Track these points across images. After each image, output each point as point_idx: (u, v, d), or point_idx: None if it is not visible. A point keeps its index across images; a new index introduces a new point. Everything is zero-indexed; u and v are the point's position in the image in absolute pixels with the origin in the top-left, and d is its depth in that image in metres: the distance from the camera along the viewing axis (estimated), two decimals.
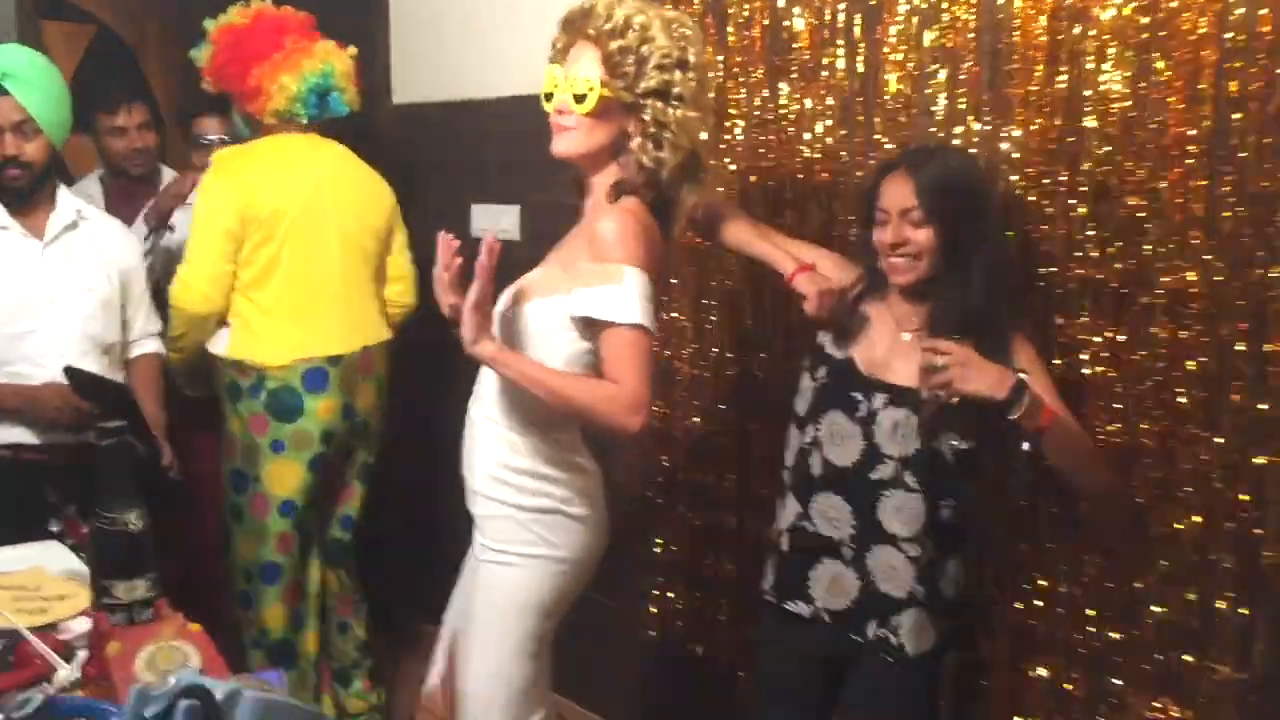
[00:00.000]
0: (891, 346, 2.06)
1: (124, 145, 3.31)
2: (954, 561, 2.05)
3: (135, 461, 2.19)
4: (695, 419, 2.81)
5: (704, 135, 1.98)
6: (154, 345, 2.82)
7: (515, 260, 2.17)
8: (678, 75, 1.92)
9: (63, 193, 2.67)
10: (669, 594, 2.93)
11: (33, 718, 1.47)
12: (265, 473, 2.83)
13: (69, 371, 2.46)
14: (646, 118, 1.92)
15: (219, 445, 2.92)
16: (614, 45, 1.90)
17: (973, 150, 2.17)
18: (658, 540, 2.91)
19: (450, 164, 3.43)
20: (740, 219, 2.24)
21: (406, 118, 3.61)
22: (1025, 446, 1.91)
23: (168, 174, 3.39)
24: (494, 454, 2.03)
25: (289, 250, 2.79)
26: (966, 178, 2.00)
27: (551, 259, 2.07)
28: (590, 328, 1.92)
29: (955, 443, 1.96)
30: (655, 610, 2.95)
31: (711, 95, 2.05)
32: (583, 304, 1.91)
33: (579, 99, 1.92)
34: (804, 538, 2.11)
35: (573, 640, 2.22)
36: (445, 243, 2.01)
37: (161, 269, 3.06)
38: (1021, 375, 1.85)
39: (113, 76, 4.32)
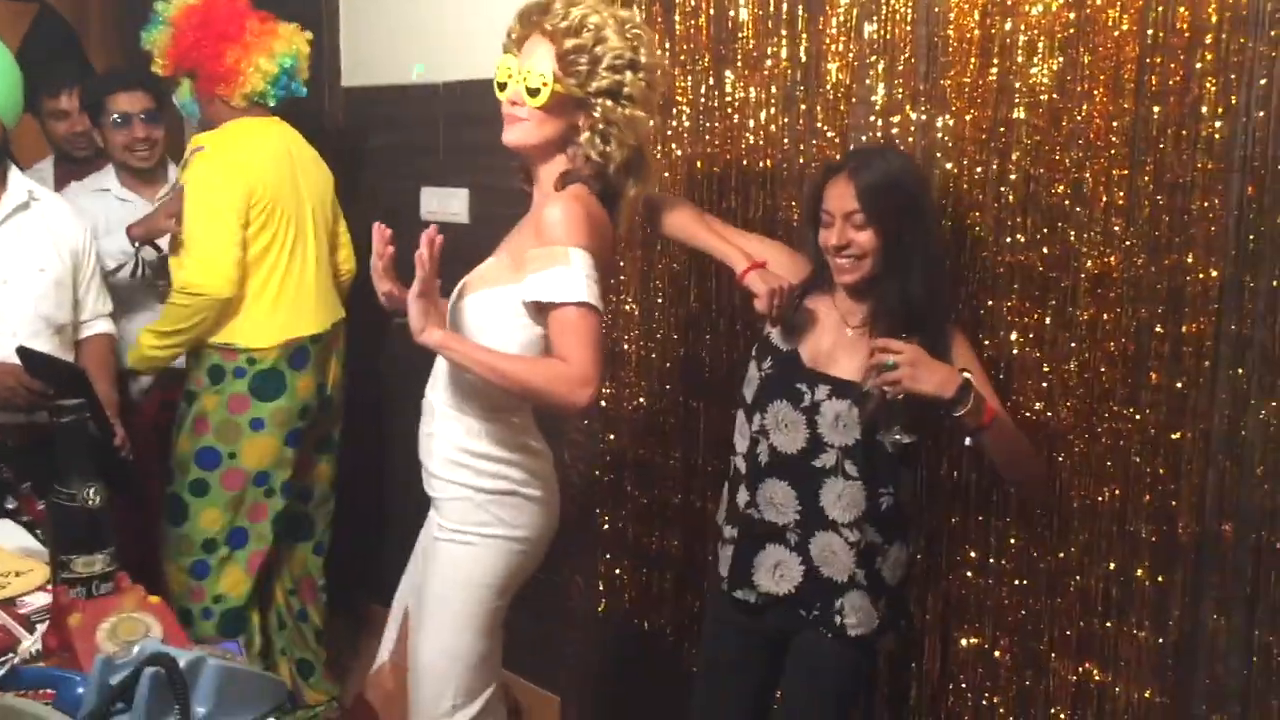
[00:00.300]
0: (836, 341, 2.12)
1: (65, 128, 3.33)
2: (895, 547, 2.11)
3: (91, 440, 2.23)
4: (641, 399, 2.88)
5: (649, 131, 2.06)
6: (105, 325, 2.85)
7: (464, 243, 2.23)
8: (628, 76, 1.98)
9: (14, 173, 2.68)
10: (615, 570, 3.00)
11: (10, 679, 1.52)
12: (241, 449, 2.90)
13: (22, 352, 2.48)
14: (596, 114, 1.98)
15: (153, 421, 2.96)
16: (569, 44, 1.95)
17: (909, 140, 2.25)
18: (605, 516, 2.98)
19: (400, 148, 3.47)
20: (685, 210, 2.29)
21: (357, 101, 3.63)
22: (968, 442, 2.00)
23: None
24: (451, 438, 2.08)
25: (279, 234, 2.86)
26: (906, 181, 2.05)
27: (501, 249, 2.13)
28: (540, 311, 1.98)
29: (898, 436, 2.02)
30: (602, 586, 3.03)
31: (660, 89, 2.10)
32: (533, 289, 1.96)
33: (532, 92, 1.97)
34: (750, 523, 2.18)
35: (521, 615, 2.28)
36: (379, 231, 2.09)
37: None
38: (966, 375, 1.93)
39: (55, 58, 4.29)
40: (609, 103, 1.98)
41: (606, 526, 2.98)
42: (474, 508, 2.07)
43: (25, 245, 2.62)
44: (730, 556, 2.22)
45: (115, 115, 3.14)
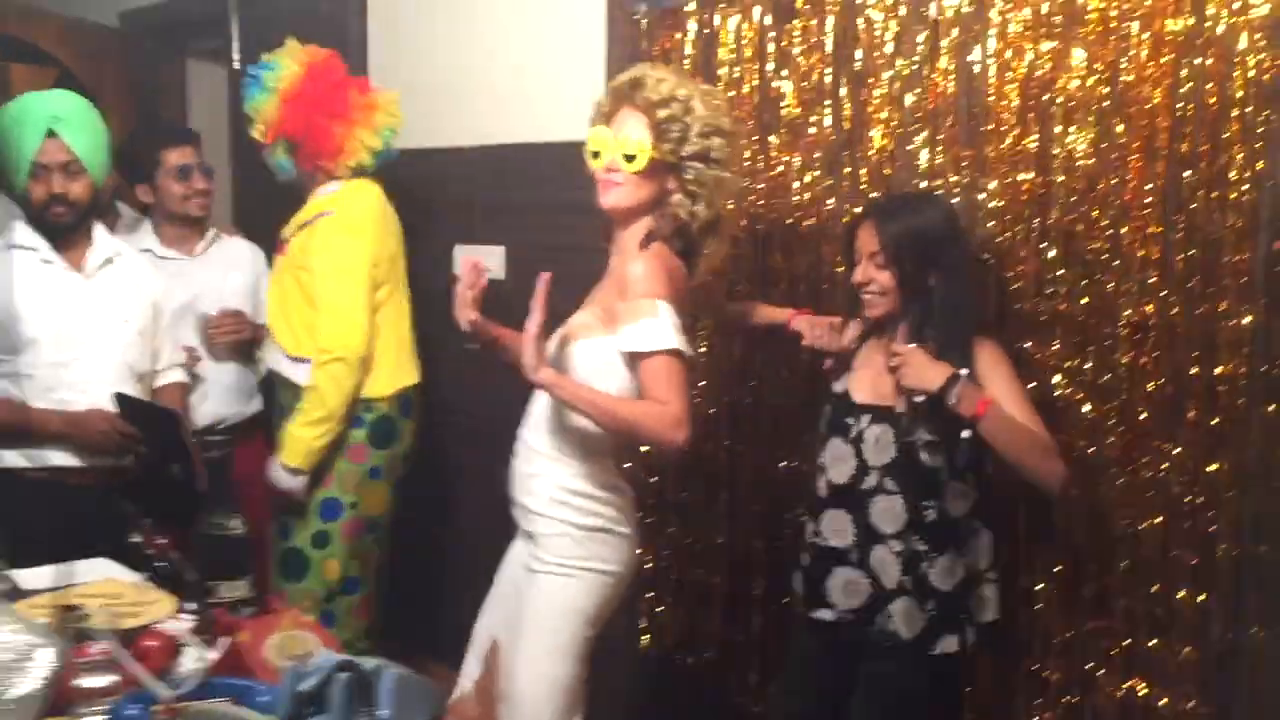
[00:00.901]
0: (879, 375, 2.33)
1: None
2: (945, 557, 2.27)
3: (176, 480, 2.36)
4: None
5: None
6: (179, 374, 2.96)
7: (501, 298, 2.41)
8: (715, 141, 2.18)
9: (99, 230, 2.81)
10: (657, 607, 3.14)
11: (192, 695, 1.64)
12: (362, 498, 2.99)
13: (120, 398, 2.59)
14: (689, 177, 2.18)
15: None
16: (661, 114, 2.15)
17: (943, 195, 2.46)
18: (648, 555, 3.12)
19: (436, 207, 3.62)
20: (751, 303, 2.66)
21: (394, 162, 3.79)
22: (965, 433, 2.18)
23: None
24: (554, 479, 2.24)
25: (391, 289, 2.98)
26: (928, 226, 2.26)
27: (590, 303, 2.30)
28: (633, 359, 2.15)
29: (925, 436, 2.22)
30: (645, 623, 3.16)
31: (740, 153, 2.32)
32: (627, 340, 2.14)
33: (629, 159, 2.17)
34: (819, 550, 2.37)
35: None
36: (470, 264, 2.28)
37: None
38: (960, 372, 2.14)
39: None
40: (700, 165, 2.18)
41: (649, 565, 3.13)
42: (574, 543, 2.22)
43: (111, 298, 2.74)
44: (803, 581, 2.39)
45: (177, 167, 3.22)
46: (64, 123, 2.67)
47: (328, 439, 2.92)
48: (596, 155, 2.23)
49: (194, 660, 1.76)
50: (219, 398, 3.20)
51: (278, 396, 3.11)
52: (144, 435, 2.57)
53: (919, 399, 2.19)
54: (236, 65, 4.39)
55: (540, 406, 2.29)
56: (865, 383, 2.35)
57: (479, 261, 2.41)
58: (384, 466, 3.02)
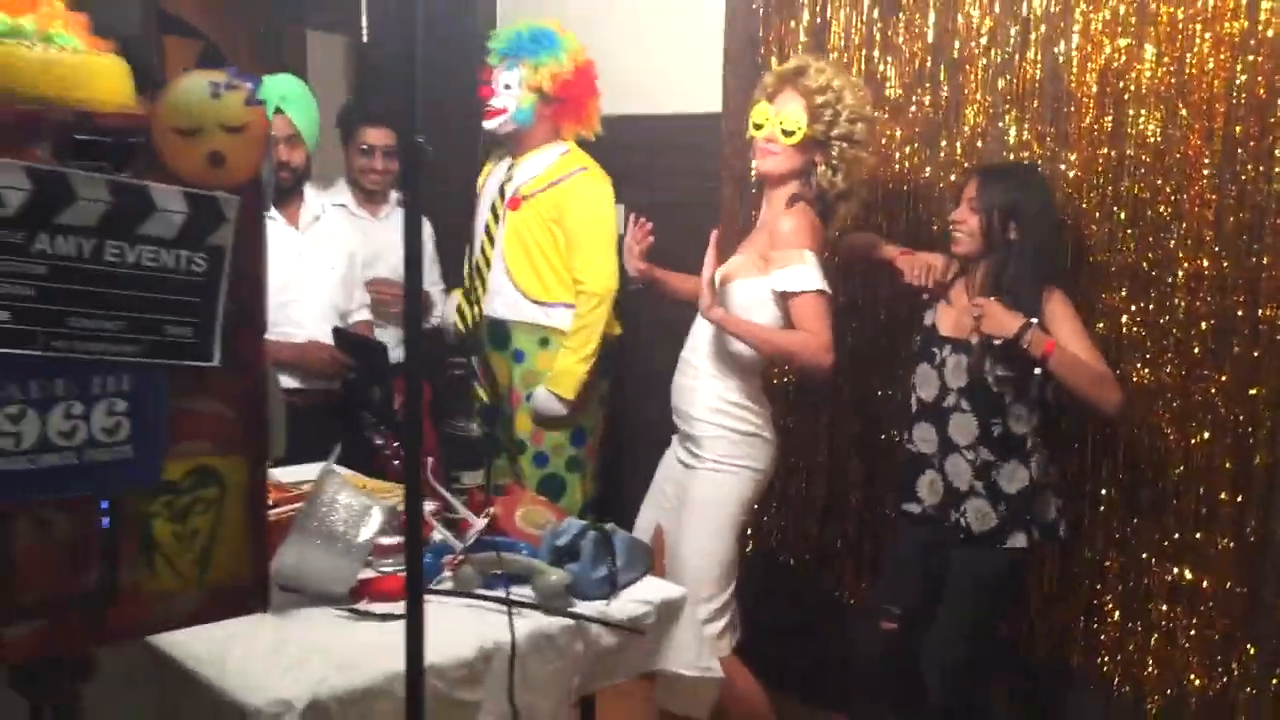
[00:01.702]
0: (961, 312, 2.80)
1: None
2: (1011, 464, 2.72)
3: (383, 401, 2.87)
4: (790, 376, 3.55)
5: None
6: (365, 315, 3.46)
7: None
8: (859, 126, 2.68)
9: (309, 191, 3.30)
10: (764, 516, 3.65)
11: (473, 548, 2.15)
12: (596, 424, 3.42)
13: (337, 331, 3.10)
14: (834, 154, 2.67)
15: None
16: (819, 100, 2.64)
17: (1040, 169, 2.93)
18: None
19: None
20: (868, 235, 3.06)
21: None
22: (1036, 371, 2.64)
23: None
24: (715, 391, 2.75)
25: None
26: (1019, 186, 2.73)
27: (744, 249, 2.80)
28: (783, 298, 2.65)
29: (999, 372, 2.68)
30: (749, 530, 3.67)
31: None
32: (781, 281, 2.64)
33: (787, 134, 2.66)
34: (912, 458, 2.87)
35: None
36: (639, 222, 2.77)
37: None
38: (1032, 320, 2.58)
39: None
40: (844, 144, 2.67)
41: None
42: (730, 444, 2.74)
43: (320, 249, 3.24)
44: (905, 483, 2.90)
45: (364, 145, 3.71)
46: (288, 101, 3.16)
47: (589, 368, 3.29)
48: (759, 127, 2.72)
49: (436, 535, 2.26)
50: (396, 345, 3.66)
51: (494, 342, 3.41)
52: (354, 363, 3.08)
53: (997, 341, 2.65)
54: (365, 38, 4.84)
55: (702, 333, 2.79)
56: (949, 318, 2.83)
57: (642, 219, 2.91)
58: (606, 395, 3.44)
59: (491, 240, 3.41)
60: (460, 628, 1.94)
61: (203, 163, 1.43)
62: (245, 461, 1.52)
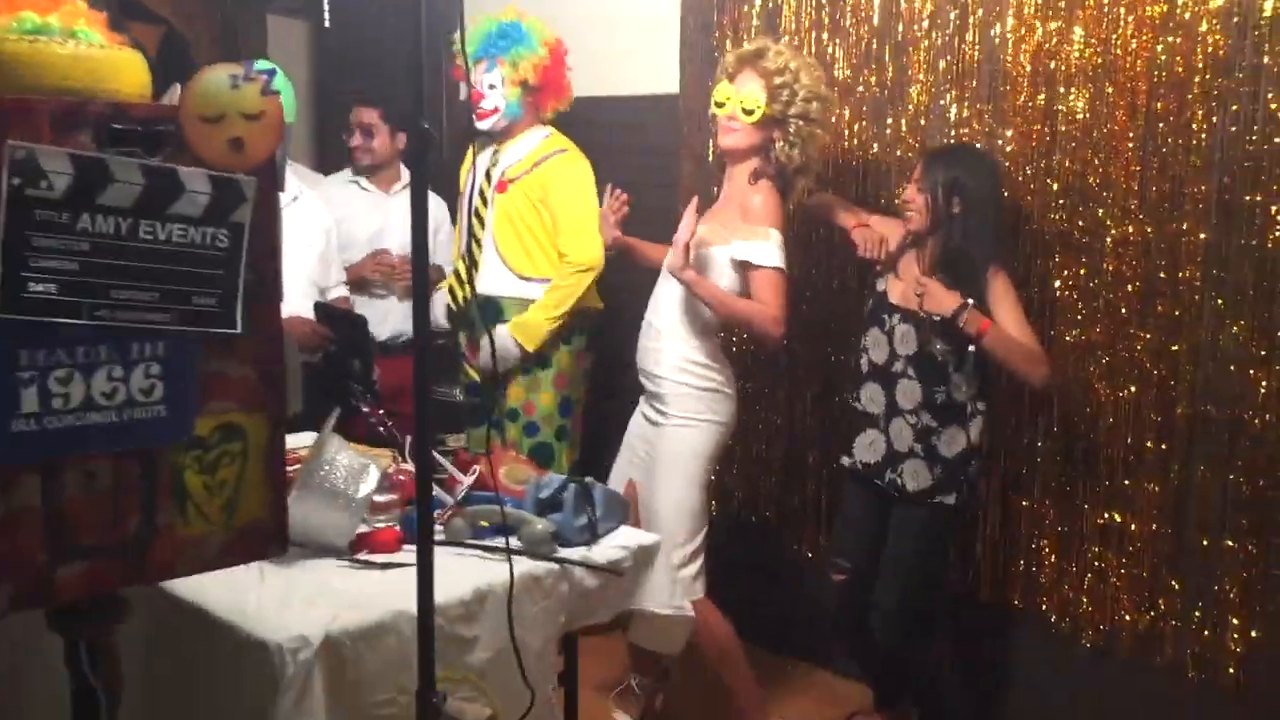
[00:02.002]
0: (909, 284, 3.00)
1: None
2: (951, 429, 2.92)
3: (363, 371, 3.03)
4: (749, 343, 3.74)
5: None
6: (344, 289, 3.61)
7: None
8: (814, 105, 2.86)
9: (288, 173, 3.44)
10: (725, 478, 3.85)
11: (462, 502, 2.33)
12: (581, 395, 3.60)
13: (318, 305, 3.25)
14: (791, 130, 2.86)
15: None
16: (777, 80, 2.83)
17: (988, 153, 3.12)
18: None
19: None
20: (828, 197, 3.22)
21: None
22: (970, 348, 2.85)
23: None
24: (678, 351, 2.94)
25: None
26: (962, 166, 2.91)
27: (709, 219, 2.98)
28: (744, 269, 2.84)
29: (937, 347, 2.89)
30: (715, 490, 3.87)
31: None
32: (741, 251, 2.83)
33: (747, 112, 2.84)
34: (858, 415, 3.06)
35: None
36: (615, 193, 2.96)
37: None
38: (968, 301, 2.77)
39: (180, 71, 4.99)
40: (800, 123, 2.85)
41: None
42: (694, 400, 2.93)
43: (299, 228, 3.38)
44: (845, 437, 3.09)
45: (350, 122, 3.94)
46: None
47: (555, 329, 3.46)
48: (720, 105, 2.91)
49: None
50: (403, 318, 3.83)
51: (486, 318, 3.54)
52: (335, 335, 3.23)
53: (935, 317, 2.84)
54: (327, 23, 4.95)
55: (666, 296, 2.97)
56: (898, 288, 3.02)
57: (617, 189, 3.08)
58: (591, 367, 3.62)
59: (481, 222, 3.57)
60: (455, 573, 2.10)
61: (224, 147, 1.59)
62: (266, 419, 1.68)
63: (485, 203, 3.58)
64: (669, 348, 2.97)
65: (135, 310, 1.55)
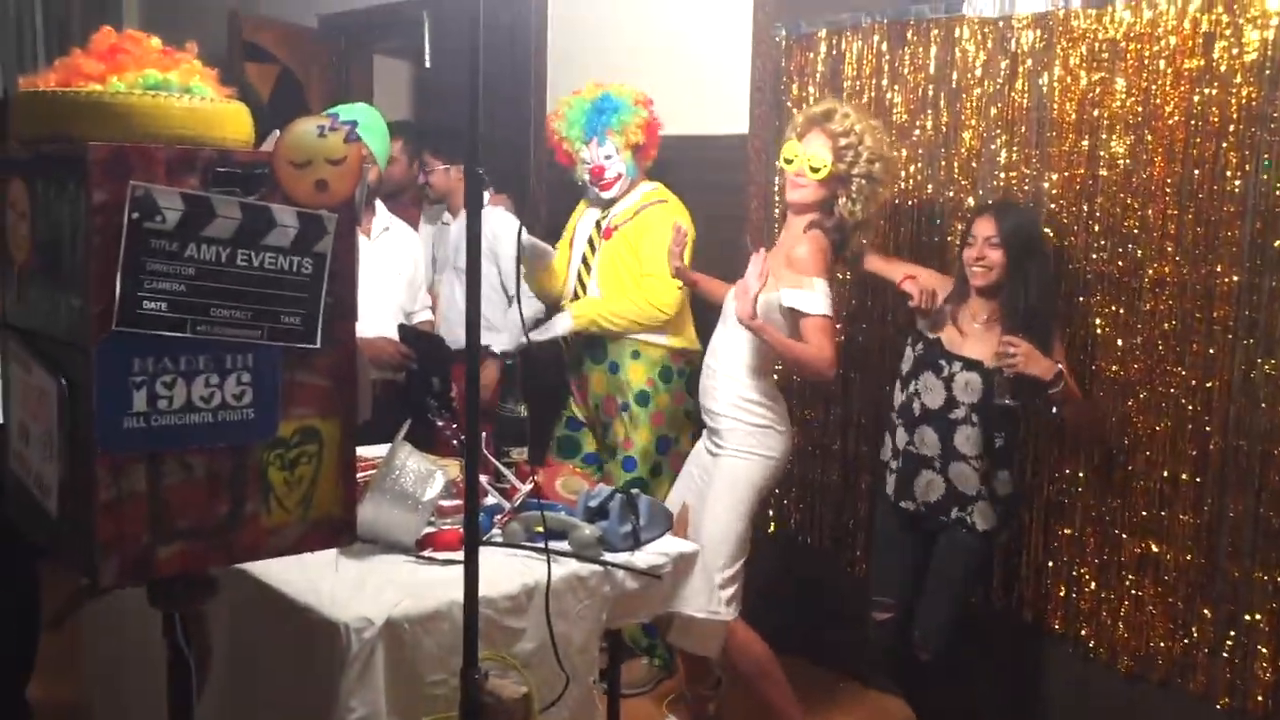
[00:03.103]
0: (967, 331, 3.14)
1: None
2: (1005, 472, 3.10)
3: (441, 389, 3.28)
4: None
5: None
6: (428, 314, 3.90)
7: None
8: (877, 166, 3.07)
9: (380, 205, 3.74)
10: (784, 500, 4.03)
11: (519, 508, 2.55)
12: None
13: (401, 327, 3.52)
14: (854, 189, 3.06)
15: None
16: (843, 142, 3.04)
17: (1024, 188, 3.29)
18: None
19: None
20: (875, 253, 3.42)
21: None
22: (1054, 410, 3.01)
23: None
24: (735, 389, 3.16)
25: None
26: (1030, 224, 3.11)
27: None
28: (793, 315, 3.04)
29: (1009, 401, 3.02)
30: (771, 512, 4.06)
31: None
32: (790, 299, 3.03)
33: (815, 170, 3.06)
34: (911, 457, 3.21)
35: None
36: (677, 228, 3.21)
37: None
38: (1059, 367, 2.94)
39: (294, 108, 5.37)
40: (863, 182, 3.05)
41: None
42: (748, 435, 3.13)
43: (389, 257, 3.68)
44: (895, 480, 3.24)
45: (426, 164, 4.30)
46: (363, 128, 3.58)
47: (599, 328, 3.69)
48: (789, 162, 3.13)
49: (489, 499, 2.66)
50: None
51: (592, 357, 3.82)
52: (417, 355, 3.50)
53: (1009, 374, 2.96)
54: (428, 64, 5.29)
55: (722, 341, 3.19)
56: (955, 336, 3.16)
57: (680, 225, 3.31)
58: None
59: (588, 268, 3.84)
60: (508, 571, 2.33)
61: (311, 188, 1.84)
62: (339, 424, 1.93)
63: (593, 249, 3.83)
64: (725, 386, 3.19)
65: (231, 326, 1.80)
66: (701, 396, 3.28)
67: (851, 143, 3.07)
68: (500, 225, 4.04)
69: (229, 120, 1.89)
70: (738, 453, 3.16)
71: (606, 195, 3.80)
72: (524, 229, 3.15)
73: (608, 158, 3.75)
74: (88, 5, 6.67)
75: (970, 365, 3.09)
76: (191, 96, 1.86)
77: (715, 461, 3.20)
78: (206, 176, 1.76)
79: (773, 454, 3.18)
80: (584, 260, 3.87)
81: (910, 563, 3.26)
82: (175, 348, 1.75)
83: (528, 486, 2.63)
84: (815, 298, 3.02)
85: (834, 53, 3.78)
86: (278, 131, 1.91)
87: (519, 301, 3.01)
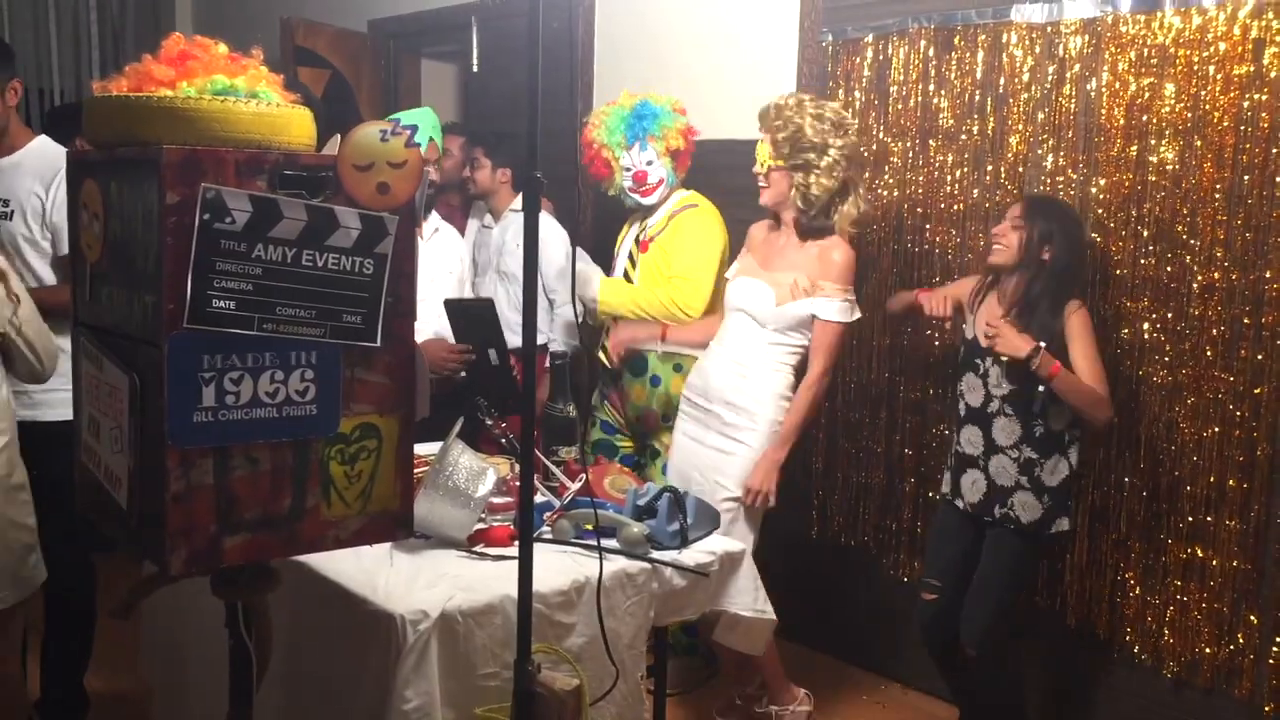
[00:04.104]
0: (994, 325, 3.13)
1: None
2: (1053, 460, 3.06)
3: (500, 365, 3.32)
4: (853, 378, 3.95)
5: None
6: None
7: None
8: (811, 156, 3.16)
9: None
10: (826, 503, 4.05)
11: (568, 506, 2.60)
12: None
13: (447, 302, 3.58)
14: (798, 179, 3.19)
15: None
16: (780, 135, 3.19)
17: (1070, 192, 3.30)
18: (818, 461, 4.04)
19: None
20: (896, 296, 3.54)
21: None
22: (1040, 388, 2.98)
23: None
24: (772, 387, 3.32)
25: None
26: (1059, 217, 3.08)
27: (783, 267, 3.32)
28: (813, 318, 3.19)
29: (1041, 388, 3.04)
30: (816, 514, 4.08)
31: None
32: (823, 309, 3.18)
33: (764, 166, 3.24)
34: (960, 457, 3.22)
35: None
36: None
37: None
38: (1040, 345, 2.92)
39: (345, 112, 5.45)
40: (812, 156, 3.19)
41: (820, 466, 4.04)
42: (772, 433, 3.22)
43: (439, 257, 3.74)
44: (950, 478, 3.27)
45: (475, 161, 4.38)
46: (420, 130, 3.65)
47: (616, 313, 3.77)
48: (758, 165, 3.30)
49: (539, 496, 2.70)
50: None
51: (633, 371, 3.83)
52: (466, 329, 3.55)
53: (1004, 359, 3.01)
54: (475, 68, 5.35)
55: (751, 334, 3.34)
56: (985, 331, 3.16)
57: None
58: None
59: (629, 281, 3.87)
60: (558, 567, 2.38)
61: (373, 191, 1.89)
62: (398, 420, 1.98)
63: (633, 264, 3.88)
64: (761, 380, 3.27)
65: (295, 324, 1.85)
66: (715, 390, 3.33)
67: (789, 134, 3.19)
68: (545, 230, 4.08)
69: (294, 124, 1.94)
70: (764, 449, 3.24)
71: (647, 201, 3.83)
72: (568, 237, 3.21)
73: (649, 163, 3.78)
74: (141, 15, 6.83)
75: (999, 358, 3.09)
76: (258, 101, 1.91)
77: (729, 460, 3.25)
78: (273, 179, 1.81)
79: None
80: (625, 275, 3.92)
81: (958, 553, 3.26)
82: (242, 345, 1.81)
83: (578, 484, 2.67)
84: (846, 307, 3.22)
85: (880, 58, 3.80)
86: (338, 137, 1.96)
87: (573, 302, 3.03)
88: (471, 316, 3.58)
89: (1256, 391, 3.02)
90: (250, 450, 1.84)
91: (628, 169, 3.82)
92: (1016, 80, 3.45)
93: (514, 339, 4.06)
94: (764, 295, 3.29)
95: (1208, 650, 3.13)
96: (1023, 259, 3.06)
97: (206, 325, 1.76)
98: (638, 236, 3.90)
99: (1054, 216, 3.08)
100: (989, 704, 3.34)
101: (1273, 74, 2.93)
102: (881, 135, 3.81)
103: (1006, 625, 3.21)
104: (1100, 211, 3.28)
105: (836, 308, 3.22)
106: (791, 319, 3.24)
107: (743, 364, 3.30)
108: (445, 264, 3.77)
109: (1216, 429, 3.09)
